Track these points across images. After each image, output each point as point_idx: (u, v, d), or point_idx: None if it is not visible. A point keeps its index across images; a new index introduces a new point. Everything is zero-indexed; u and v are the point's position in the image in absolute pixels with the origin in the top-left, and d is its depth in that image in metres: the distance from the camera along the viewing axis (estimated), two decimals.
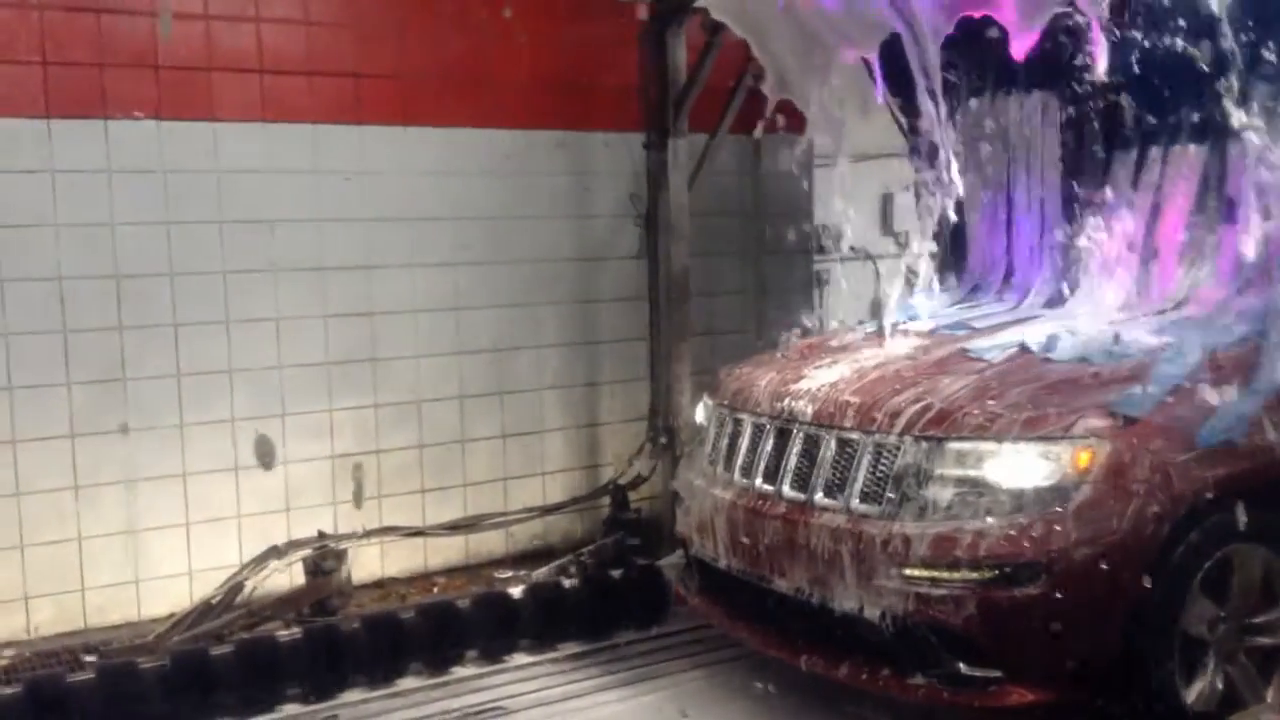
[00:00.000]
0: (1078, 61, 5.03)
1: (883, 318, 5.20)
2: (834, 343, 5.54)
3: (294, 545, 5.98)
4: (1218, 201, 5.01)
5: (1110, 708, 4.11)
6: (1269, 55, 4.67)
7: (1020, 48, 4.93)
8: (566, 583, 5.82)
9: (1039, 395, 4.28)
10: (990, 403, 4.26)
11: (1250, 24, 4.68)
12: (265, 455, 6.18)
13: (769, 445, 4.77)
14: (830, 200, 7.19)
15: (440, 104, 6.53)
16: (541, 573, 6.32)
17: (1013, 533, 4.02)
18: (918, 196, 5.88)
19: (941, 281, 5.99)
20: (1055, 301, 5.44)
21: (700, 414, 5.48)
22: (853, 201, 7.19)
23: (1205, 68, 4.77)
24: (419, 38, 6.45)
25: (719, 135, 6.79)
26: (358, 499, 6.43)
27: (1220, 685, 4.23)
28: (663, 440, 6.64)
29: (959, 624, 4.05)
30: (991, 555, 4.01)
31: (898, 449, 4.31)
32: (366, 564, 6.33)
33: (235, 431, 6.08)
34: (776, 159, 6.92)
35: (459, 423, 6.69)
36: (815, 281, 7.29)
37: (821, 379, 4.82)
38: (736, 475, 4.87)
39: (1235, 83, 4.65)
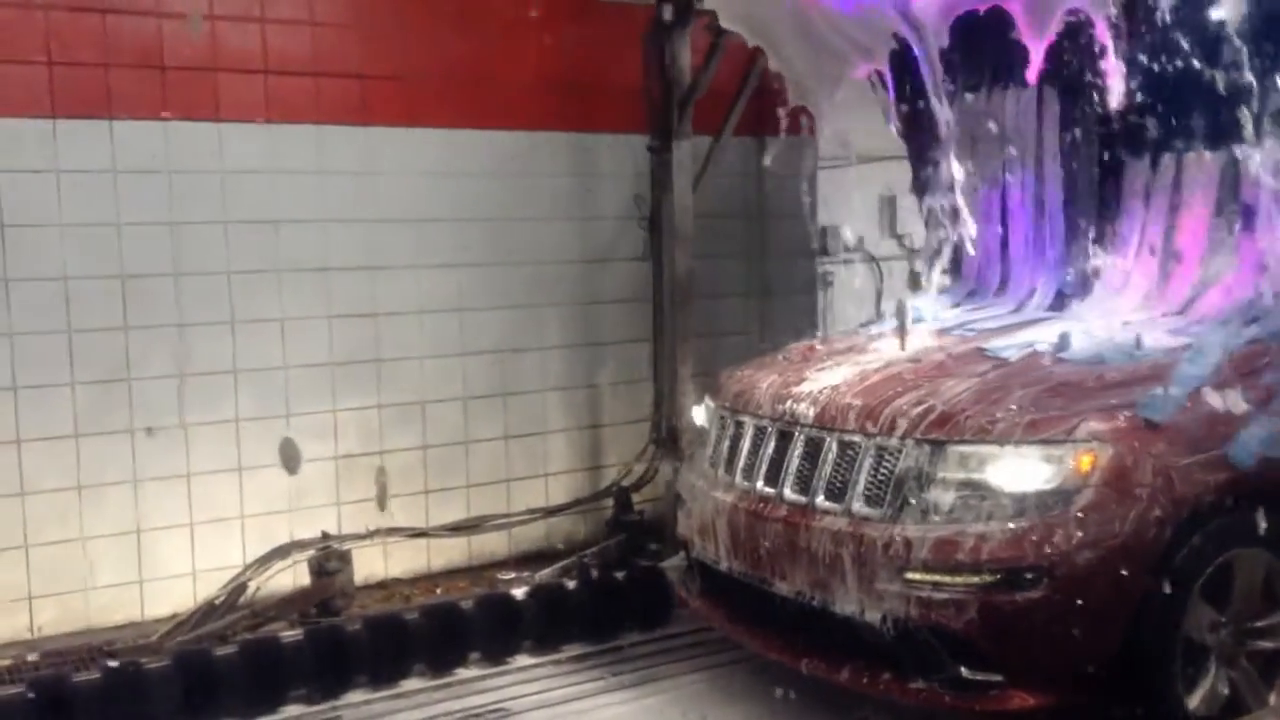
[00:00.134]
0: (1088, 63, 5.04)
1: (901, 319, 5.17)
2: (836, 345, 5.53)
3: (298, 546, 5.99)
4: (1232, 204, 4.98)
5: (1112, 712, 4.10)
6: None
7: (1035, 52, 4.94)
8: (569, 584, 5.82)
9: (1041, 398, 4.27)
10: (992, 406, 4.25)
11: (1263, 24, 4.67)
12: (290, 459, 6.20)
13: (770, 448, 4.76)
14: (834, 202, 7.21)
15: (445, 105, 6.54)
16: (544, 574, 6.33)
17: (1015, 536, 4.01)
18: (920, 200, 5.89)
19: (945, 284, 5.99)
20: (1062, 304, 5.43)
21: (701, 416, 5.48)
22: (856, 203, 7.22)
23: (1219, 71, 4.76)
24: (423, 39, 6.46)
25: (724, 137, 6.80)
26: (381, 501, 6.44)
27: (1224, 690, 4.22)
28: (666, 442, 6.64)
29: (960, 628, 4.05)
30: (993, 559, 4.01)
31: (899, 452, 4.30)
32: (369, 565, 6.34)
33: (239, 432, 6.09)
34: (780, 161, 6.91)
35: (462, 424, 6.70)
36: (818, 283, 7.28)
37: (823, 381, 4.81)
38: (738, 478, 4.87)
39: (1250, 83, 4.64)
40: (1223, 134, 4.91)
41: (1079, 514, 3.99)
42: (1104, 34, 4.91)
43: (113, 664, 5.01)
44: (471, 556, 6.71)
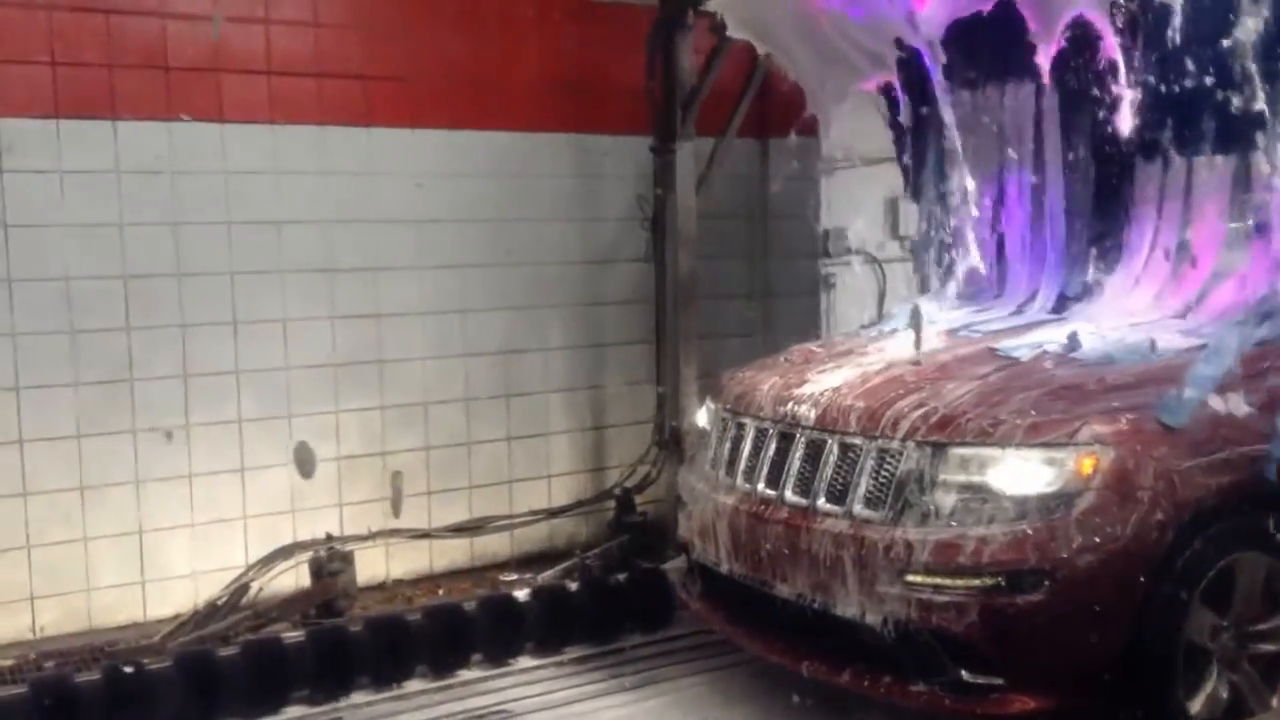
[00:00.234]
0: (1094, 63, 5.03)
1: (915, 321, 5.16)
2: (838, 347, 5.53)
3: (300, 547, 5.99)
4: (1241, 207, 4.97)
5: (1114, 716, 4.09)
6: None
7: (1044, 56, 4.94)
8: (572, 586, 5.82)
9: (1043, 401, 4.26)
10: (994, 408, 4.25)
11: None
12: (305, 463, 6.20)
13: (771, 450, 4.75)
14: (838, 204, 7.20)
15: (447, 106, 6.54)
16: (547, 576, 6.33)
17: (1016, 539, 4.00)
18: (921, 202, 5.88)
19: (948, 285, 5.98)
20: (1065, 305, 5.42)
21: (703, 418, 5.47)
22: (860, 205, 7.22)
23: (1227, 73, 4.75)
24: (426, 40, 6.46)
25: (727, 138, 6.79)
26: (395, 506, 6.44)
27: (1225, 693, 4.21)
28: (669, 443, 6.64)
29: (961, 631, 4.04)
30: (994, 562, 4.00)
31: (901, 454, 4.30)
32: (372, 566, 6.34)
33: (242, 432, 6.10)
34: (784, 163, 6.91)
35: (465, 425, 6.70)
36: (821, 285, 7.28)
37: (825, 383, 4.81)
38: (739, 480, 4.87)
39: (1257, 83, 4.64)
40: (1234, 135, 4.90)
41: (1080, 517, 3.98)
42: (1111, 46, 4.90)
43: (115, 664, 5.01)
44: (474, 558, 6.71)
